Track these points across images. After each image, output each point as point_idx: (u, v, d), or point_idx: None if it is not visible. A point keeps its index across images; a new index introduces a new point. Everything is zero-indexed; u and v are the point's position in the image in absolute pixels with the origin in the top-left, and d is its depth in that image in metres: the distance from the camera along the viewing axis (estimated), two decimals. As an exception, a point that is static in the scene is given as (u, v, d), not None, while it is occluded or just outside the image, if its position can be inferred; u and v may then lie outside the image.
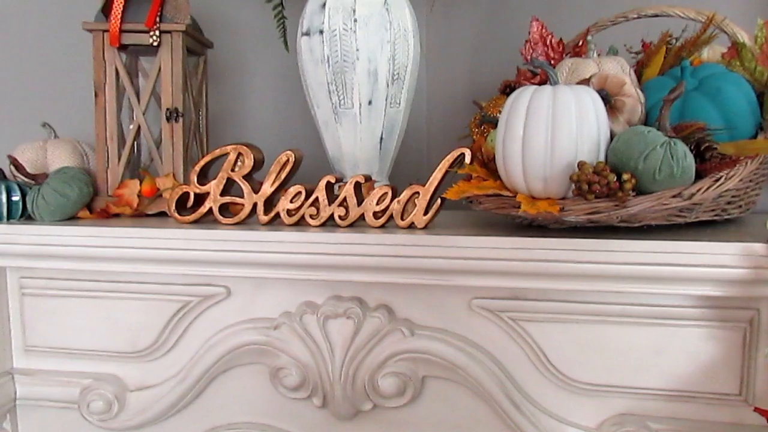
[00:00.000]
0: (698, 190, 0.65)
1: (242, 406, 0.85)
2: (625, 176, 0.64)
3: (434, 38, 1.10)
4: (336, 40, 0.85)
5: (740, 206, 0.75)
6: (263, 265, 0.76)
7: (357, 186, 0.78)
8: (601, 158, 0.68)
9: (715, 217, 0.73)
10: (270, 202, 0.81)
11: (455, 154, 0.76)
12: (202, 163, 0.82)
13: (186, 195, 0.83)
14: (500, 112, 0.73)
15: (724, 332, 0.69)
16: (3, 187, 0.85)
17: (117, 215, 0.91)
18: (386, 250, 0.71)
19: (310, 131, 0.97)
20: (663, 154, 0.64)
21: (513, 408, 0.75)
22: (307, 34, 0.87)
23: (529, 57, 0.85)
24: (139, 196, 0.91)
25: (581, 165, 0.65)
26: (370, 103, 0.87)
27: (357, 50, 0.85)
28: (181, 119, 0.91)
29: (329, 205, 0.78)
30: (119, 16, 0.89)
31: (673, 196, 0.65)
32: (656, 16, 0.85)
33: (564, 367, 0.74)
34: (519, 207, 0.68)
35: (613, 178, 0.64)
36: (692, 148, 0.67)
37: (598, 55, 0.83)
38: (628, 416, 0.73)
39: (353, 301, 0.78)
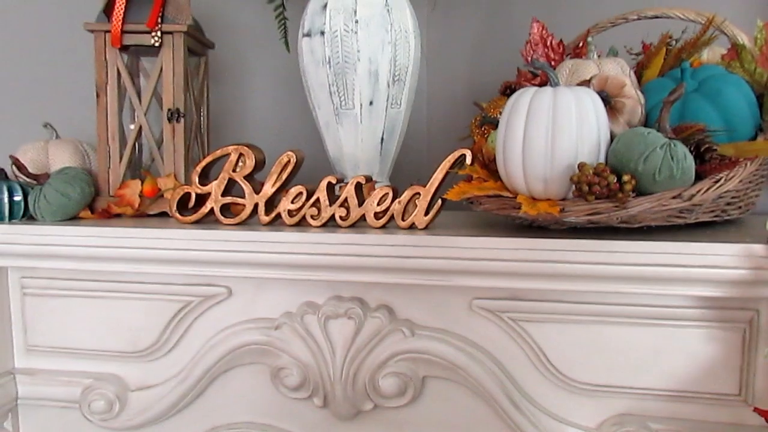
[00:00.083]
0: (698, 192, 0.65)
1: (243, 406, 0.85)
2: (625, 177, 0.65)
3: (435, 39, 1.10)
4: (337, 41, 0.85)
5: (740, 207, 0.76)
6: (264, 265, 0.76)
7: (358, 186, 0.78)
8: (602, 159, 0.68)
9: (715, 218, 0.73)
10: (271, 203, 0.81)
11: (456, 155, 0.76)
12: (203, 163, 0.83)
13: (187, 195, 0.83)
14: (501, 113, 0.73)
15: (724, 333, 0.69)
16: (5, 187, 0.85)
17: (118, 215, 0.91)
18: (387, 250, 0.71)
19: (311, 132, 0.97)
20: (663, 155, 0.64)
21: (513, 408, 0.75)
22: (309, 35, 0.88)
23: (529, 58, 0.85)
24: (140, 196, 0.91)
25: (581, 166, 0.65)
26: (371, 103, 0.88)
27: (358, 51, 0.85)
28: (182, 119, 0.92)
29: (330, 205, 0.79)
30: (121, 17, 0.89)
31: (673, 197, 0.65)
32: (656, 17, 0.85)
33: (564, 367, 0.74)
34: (519, 208, 0.68)
35: (613, 179, 0.64)
36: (692, 149, 0.68)
37: (599, 56, 0.83)
38: (628, 416, 0.73)
39: (354, 302, 0.78)
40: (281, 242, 0.74)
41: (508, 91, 0.87)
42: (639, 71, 0.82)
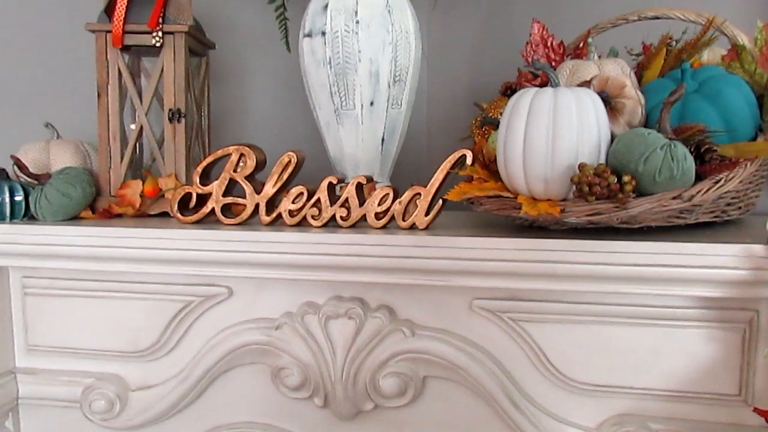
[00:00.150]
0: (698, 192, 0.66)
1: (244, 406, 0.85)
2: (626, 178, 0.65)
3: (435, 40, 1.10)
4: (338, 42, 0.85)
5: (740, 208, 0.76)
6: (265, 265, 0.76)
7: (359, 187, 0.78)
8: (602, 160, 0.68)
9: (715, 219, 0.73)
10: (272, 203, 0.81)
11: (456, 155, 0.76)
12: (204, 163, 0.83)
13: (188, 195, 0.83)
14: (501, 113, 0.73)
15: (724, 333, 0.70)
16: (6, 187, 0.85)
17: (119, 215, 0.91)
18: (388, 250, 0.72)
19: (311, 132, 0.97)
20: (663, 156, 0.64)
21: (513, 408, 0.75)
22: (309, 35, 0.88)
23: (529, 59, 0.85)
24: (141, 196, 0.91)
25: (582, 167, 0.66)
26: (371, 104, 0.88)
27: (359, 52, 0.85)
28: (183, 120, 0.92)
29: (331, 205, 0.79)
30: (122, 17, 0.89)
31: (673, 198, 0.65)
32: (656, 18, 0.85)
33: (564, 367, 0.74)
34: (520, 208, 0.68)
35: (613, 179, 0.65)
36: (692, 150, 0.68)
37: (599, 57, 0.84)
38: (627, 416, 0.73)
39: (354, 302, 0.78)
40: (282, 242, 0.74)
41: (509, 91, 0.87)
42: (639, 72, 0.82)
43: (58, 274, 0.85)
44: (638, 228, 0.70)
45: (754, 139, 0.73)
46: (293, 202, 0.80)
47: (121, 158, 0.93)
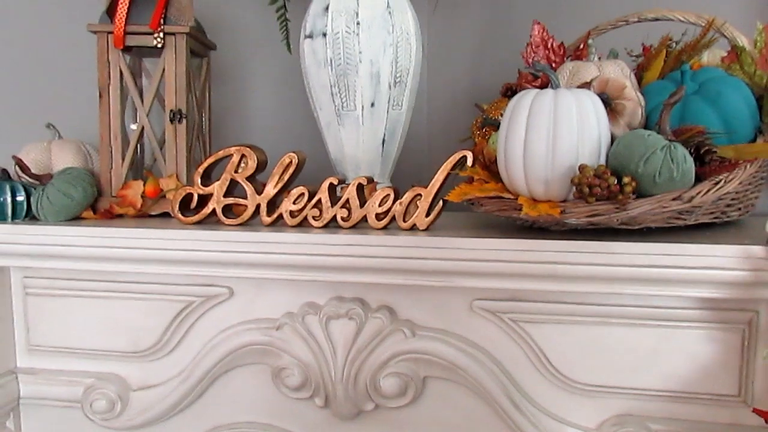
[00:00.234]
0: (698, 193, 0.66)
1: (244, 406, 0.85)
2: (626, 179, 0.65)
3: (436, 41, 1.11)
4: (339, 43, 0.86)
5: (739, 209, 0.76)
6: (266, 265, 0.77)
7: (359, 188, 0.79)
8: (602, 161, 0.69)
9: (715, 220, 0.74)
10: (273, 204, 0.82)
11: (457, 156, 0.77)
12: (205, 164, 0.83)
13: (189, 196, 0.83)
14: (501, 114, 0.74)
15: (723, 334, 0.70)
16: (8, 187, 0.85)
17: (120, 216, 0.92)
18: (388, 251, 0.72)
19: (312, 133, 0.97)
20: (663, 157, 0.65)
21: (513, 408, 0.75)
22: (310, 36, 0.88)
23: (530, 60, 0.85)
24: (142, 196, 0.92)
25: (582, 168, 0.66)
26: (372, 105, 0.88)
27: (360, 53, 0.86)
28: (184, 120, 0.92)
29: (332, 206, 0.79)
30: (123, 18, 0.90)
31: (673, 199, 0.66)
32: (656, 19, 0.85)
33: (564, 367, 0.74)
34: (520, 209, 0.68)
35: (613, 181, 0.65)
36: (692, 151, 0.68)
37: (599, 58, 0.84)
38: (627, 417, 0.73)
39: (355, 302, 0.78)
40: (283, 243, 0.75)
41: (509, 92, 0.87)
42: (639, 73, 0.82)
43: (59, 275, 0.85)
44: (638, 229, 0.70)
45: (754, 140, 0.73)
46: (294, 203, 0.80)
47: (123, 159, 0.93)
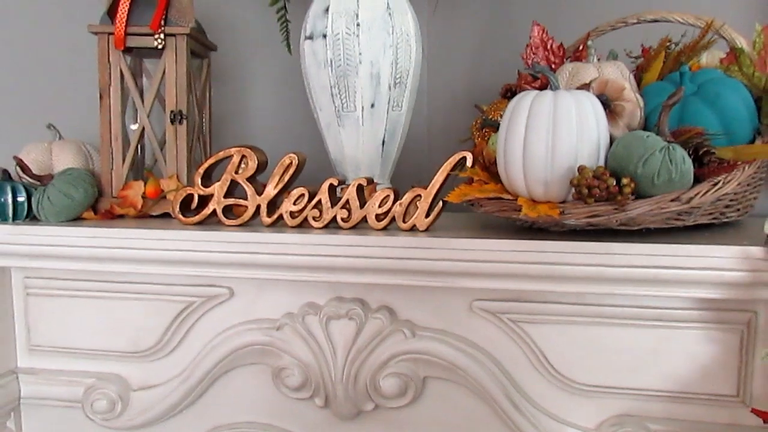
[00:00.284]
0: (696, 194, 0.66)
1: (245, 406, 0.85)
2: (625, 180, 0.65)
3: (436, 42, 1.11)
4: (339, 44, 0.86)
5: (738, 210, 0.76)
6: (266, 266, 0.77)
7: (359, 188, 0.79)
8: (601, 162, 0.69)
9: (714, 221, 0.74)
10: (273, 204, 0.82)
11: (457, 157, 0.77)
12: (206, 165, 0.83)
13: (190, 197, 0.84)
14: (501, 115, 0.74)
15: (722, 334, 0.70)
16: (9, 187, 0.85)
17: (121, 216, 0.92)
18: (388, 252, 0.72)
19: (312, 134, 0.97)
20: (662, 158, 0.65)
21: (513, 408, 0.76)
22: (311, 37, 0.88)
23: (529, 61, 0.86)
24: (143, 197, 0.92)
25: (581, 169, 0.66)
26: (372, 106, 0.88)
27: (360, 54, 0.86)
28: (184, 121, 0.92)
29: (332, 207, 0.79)
30: (124, 19, 0.90)
31: (672, 200, 0.66)
32: (656, 21, 0.86)
33: (563, 368, 0.75)
34: (520, 210, 0.69)
35: (612, 182, 0.65)
36: (691, 152, 0.68)
37: (598, 59, 0.84)
38: (626, 417, 0.74)
39: (355, 303, 0.78)
40: (283, 243, 0.75)
41: (509, 93, 0.87)
42: (638, 75, 0.83)
43: (60, 275, 0.86)
44: (637, 230, 0.70)
45: (752, 141, 0.73)
46: (294, 204, 0.80)
47: (123, 159, 0.93)
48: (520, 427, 0.76)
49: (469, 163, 0.77)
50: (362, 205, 0.79)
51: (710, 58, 0.82)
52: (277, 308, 0.82)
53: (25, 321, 0.89)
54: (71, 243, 0.81)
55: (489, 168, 0.78)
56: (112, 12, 0.91)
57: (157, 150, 0.95)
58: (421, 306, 0.78)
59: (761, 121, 0.75)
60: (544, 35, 0.87)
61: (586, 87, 0.75)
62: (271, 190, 0.81)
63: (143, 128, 0.94)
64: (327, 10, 0.87)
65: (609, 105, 0.73)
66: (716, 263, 0.65)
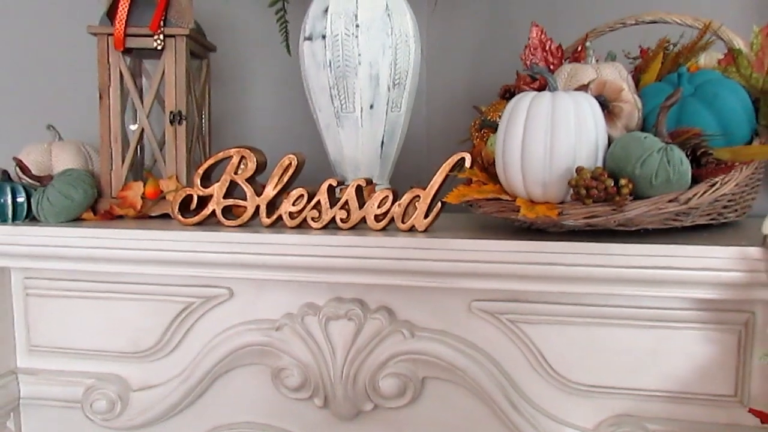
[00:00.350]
0: (694, 195, 0.66)
1: (244, 407, 0.85)
2: (623, 181, 0.65)
3: (435, 43, 1.11)
4: (338, 45, 0.86)
5: (736, 210, 0.76)
6: (265, 267, 0.77)
7: (358, 189, 0.79)
8: (599, 163, 0.69)
9: (712, 221, 0.74)
10: (272, 205, 0.82)
11: (455, 158, 0.77)
12: (205, 165, 0.83)
13: (189, 197, 0.84)
14: (500, 116, 0.74)
15: (720, 334, 0.70)
16: (8, 188, 0.85)
17: (121, 217, 0.92)
18: (387, 252, 0.72)
19: (311, 134, 0.98)
20: (659, 159, 0.65)
21: (511, 409, 0.76)
22: (310, 38, 0.88)
23: (528, 62, 0.86)
24: (142, 198, 0.92)
25: (579, 170, 0.66)
26: (371, 107, 0.88)
27: (359, 55, 0.86)
28: (184, 122, 0.92)
29: (331, 208, 0.79)
30: (124, 20, 0.90)
31: (670, 201, 0.66)
32: (654, 22, 0.86)
33: (562, 368, 0.75)
34: (518, 211, 0.69)
35: (610, 183, 0.65)
36: (688, 153, 0.68)
37: (597, 60, 0.84)
38: (625, 417, 0.74)
39: (354, 303, 0.78)
40: (282, 244, 0.75)
41: (508, 94, 0.87)
42: (637, 76, 0.83)
43: (59, 275, 0.86)
44: (635, 230, 0.70)
45: (750, 142, 0.74)
46: (293, 204, 0.81)
47: (123, 160, 0.93)
48: (519, 427, 0.76)
49: (467, 164, 0.77)
50: (361, 205, 0.79)
51: (708, 59, 0.83)
52: (276, 309, 0.82)
53: (24, 321, 0.89)
54: (71, 244, 0.81)
55: (488, 169, 0.78)
56: (111, 13, 0.91)
57: (157, 151, 0.95)
58: (420, 306, 0.78)
59: (759, 122, 0.75)
60: (543, 36, 0.87)
61: (584, 88, 0.75)
62: (270, 191, 0.82)
63: (142, 129, 0.94)
64: (326, 10, 0.87)
65: (607, 106, 0.73)
66: (714, 264, 0.65)
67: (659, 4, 0.87)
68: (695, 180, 0.68)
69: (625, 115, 0.73)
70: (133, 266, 0.80)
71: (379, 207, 0.78)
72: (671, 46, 0.84)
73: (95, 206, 0.91)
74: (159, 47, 0.91)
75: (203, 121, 1.03)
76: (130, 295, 0.85)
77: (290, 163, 0.81)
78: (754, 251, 0.64)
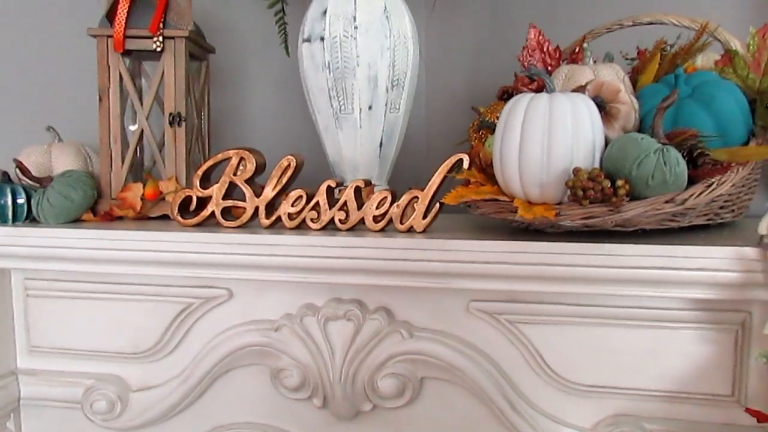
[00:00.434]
0: (691, 196, 0.67)
1: (243, 407, 0.86)
2: (619, 182, 0.66)
3: (433, 44, 1.11)
4: (337, 47, 0.86)
5: (733, 211, 0.77)
6: (265, 267, 0.77)
7: (357, 190, 0.79)
8: (596, 164, 0.69)
9: (709, 222, 0.74)
10: (271, 206, 0.82)
11: (454, 159, 0.77)
12: (204, 167, 0.84)
13: (189, 198, 0.84)
14: (498, 117, 0.74)
15: (717, 334, 0.71)
16: (8, 189, 0.86)
17: (120, 218, 0.92)
18: (386, 253, 0.72)
19: (310, 136, 0.98)
20: (656, 160, 0.65)
21: (510, 409, 0.76)
22: (308, 40, 0.89)
23: (526, 63, 0.86)
24: (142, 199, 0.92)
25: (576, 171, 0.67)
26: (370, 108, 0.89)
27: (357, 56, 0.86)
28: (183, 123, 0.93)
29: (330, 209, 0.80)
30: (123, 22, 0.90)
31: (666, 202, 0.66)
32: (651, 23, 0.86)
33: (560, 368, 0.75)
34: (516, 212, 0.69)
35: (607, 184, 0.65)
36: (685, 154, 0.69)
37: (594, 61, 0.85)
38: (622, 417, 0.74)
39: (353, 304, 0.79)
40: (281, 245, 0.75)
41: (506, 96, 0.88)
42: (634, 77, 0.83)
43: (59, 276, 0.86)
44: (632, 231, 0.70)
45: (747, 143, 0.74)
46: (292, 206, 0.81)
47: (122, 161, 0.93)
48: (517, 427, 0.76)
49: (465, 165, 0.77)
50: (360, 206, 0.79)
51: (705, 60, 0.83)
52: (275, 309, 0.82)
53: (24, 322, 0.89)
54: (71, 245, 0.81)
55: (486, 170, 0.78)
56: (111, 15, 0.91)
57: (156, 152, 0.95)
58: (418, 307, 0.79)
59: (755, 122, 0.75)
60: (541, 37, 0.87)
61: (581, 89, 0.76)
62: (269, 192, 0.82)
63: (142, 130, 0.95)
64: (325, 12, 0.87)
65: (604, 107, 0.73)
66: (711, 264, 0.65)
67: (657, 5, 0.88)
68: (692, 181, 0.68)
69: (622, 116, 0.74)
70: (132, 267, 0.81)
71: (377, 208, 0.78)
72: (668, 47, 0.84)
73: (95, 207, 0.92)
74: (158, 49, 0.91)
75: (202, 122, 1.03)
76: (130, 295, 0.85)
77: (289, 165, 0.82)
78: (751, 251, 0.64)
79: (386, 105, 0.89)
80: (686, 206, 0.67)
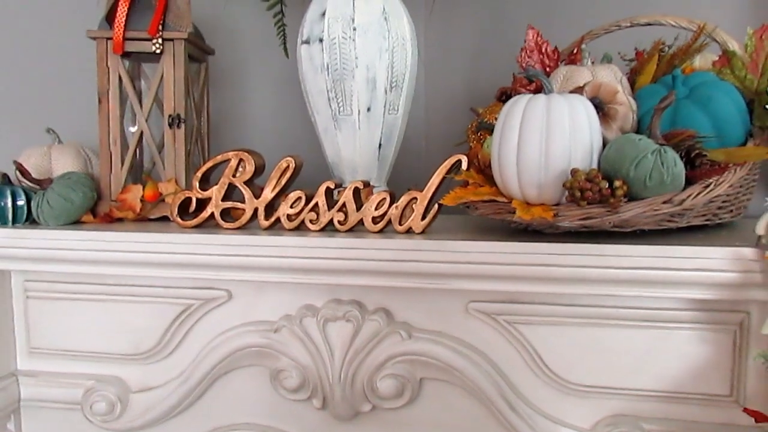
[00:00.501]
0: (688, 196, 0.67)
1: (243, 408, 0.86)
2: (617, 183, 0.66)
3: (432, 46, 1.11)
4: (335, 48, 0.86)
5: (731, 211, 0.77)
6: (264, 269, 0.77)
7: (356, 191, 0.80)
8: (594, 165, 0.70)
9: (707, 222, 0.74)
10: (271, 207, 0.82)
11: (452, 160, 0.78)
12: (204, 168, 0.84)
13: (188, 200, 0.84)
14: (496, 119, 0.74)
15: (715, 335, 0.71)
16: (8, 191, 0.86)
17: (120, 220, 0.92)
18: (385, 254, 0.73)
19: (309, 137, 0.98)
20: (653, 161, 0.65)
21: (509, 409, 0.76)
22: (307, 42, 0.89)
23: (524, 64, 0.86)
24: (141, 200, 0.92)
25: (574, 172, 0.67)
26: (368, 109, 0.89)
27: (356, 58, 0.86)
28: (183, 125, 0.93)
29: (329, 210, 0.80)
30: (122, 24, 0.90)
31: (664, 202, 0.66)
32: (649, 24, 0.86)
33: (559, 369, 0.75)
34: (514, 212, 0.69)
35: (605, 184, 0.66)
36: (683, 155, 0.69)
37: (592, 62, 0.85)
38: (621, 417, 0.74)
39: (352, 305, 0.79)
40: (281, 246, 0.76)
41: (504, 97, 0.88)
42: (632, 78, 0.83)
43: (59, 278, 0.86)
44: (630, 231, 0.71)
45: (745, 143, 0.74)
46: (291, 207, 0.81)
47: (122, 163, 0.94)
48: (516, 427, 0.76)
49: (464, 166, 0.77)
50: (359, 208, 0.79)
51: (703, 61, 0.83)
52: (274, 310, 0.82)
53: (25, 323, 0.89)
54: (70, 246, 0.81)
55: (484, 171, 0.79)
56: (110, 17, 0.91)
57: (156, 154, 0.96)
58: (417, 308, 0.79)
59: (753, 123, 0.75)
60: (539, 39, 0.88)
61: (579, 90, 0.76)
62: (268, 194, 0.82)
63: (141, 132, 0.95)
64: (323, 14, 0.87)
65: (602, 108, 0.73)
66: (709, 264, 0.65)
67: (654, 6, 0.88)
68: (690, 182, 0.68)
69: (620, 117, 0.74)
70: (132, 269, 0.81)
71: (376, 209, 0.79)
72: (666, 48, 0.84)
73: (95, 209, 0.92)
74: (158, 51, 0.91)
75: (202, 124, 1.03)
76: (130, 297, 0.85)
77: (288, 166, 0.82)
78: (749, 252, 0.64)
79: (385, 106, 0.89)
80: (684, 207, 0.67)
